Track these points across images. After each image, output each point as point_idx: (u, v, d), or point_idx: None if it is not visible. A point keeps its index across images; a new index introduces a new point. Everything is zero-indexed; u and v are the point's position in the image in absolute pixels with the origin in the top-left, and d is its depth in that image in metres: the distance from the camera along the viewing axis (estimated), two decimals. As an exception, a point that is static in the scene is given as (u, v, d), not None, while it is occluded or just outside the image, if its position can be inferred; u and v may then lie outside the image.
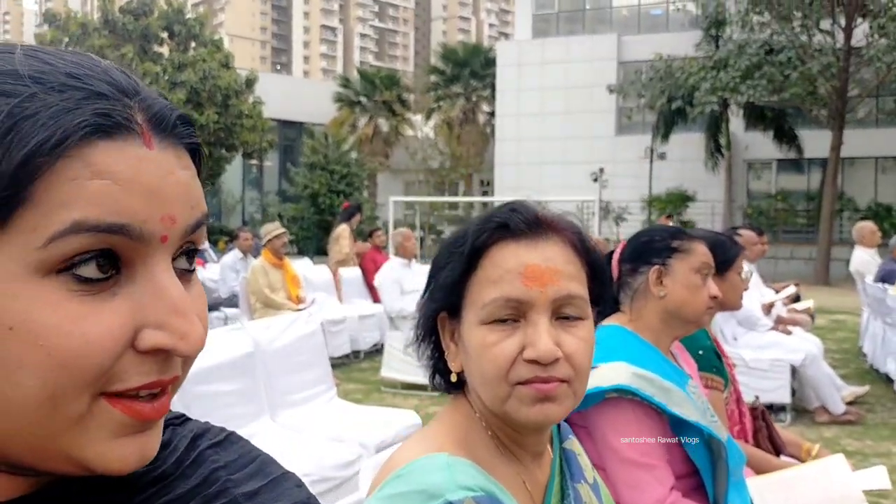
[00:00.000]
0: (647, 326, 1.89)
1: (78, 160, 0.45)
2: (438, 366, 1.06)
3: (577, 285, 0.97)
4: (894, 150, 21.36)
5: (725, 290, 2.47)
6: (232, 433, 0.64)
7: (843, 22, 17.81)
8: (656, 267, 1.87)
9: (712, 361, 2.36)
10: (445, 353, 1.03)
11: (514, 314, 0.95)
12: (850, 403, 5.91)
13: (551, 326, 0.95)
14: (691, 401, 1.79)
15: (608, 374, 1.71)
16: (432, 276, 1.04)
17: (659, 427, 1.73)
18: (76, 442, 0.48)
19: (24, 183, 0.44)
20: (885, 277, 7.19)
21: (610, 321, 1.91)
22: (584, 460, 1.13)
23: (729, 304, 2.57)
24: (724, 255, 2.53)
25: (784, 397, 5.63)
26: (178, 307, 0.49)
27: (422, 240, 24.09)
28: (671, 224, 15.47)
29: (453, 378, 1.03)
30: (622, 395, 1.70)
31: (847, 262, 9.64)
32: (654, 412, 1.72)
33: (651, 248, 1.91)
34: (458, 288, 0.99)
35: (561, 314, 0.96)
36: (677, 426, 1.75)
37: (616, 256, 1.94)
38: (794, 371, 5.71)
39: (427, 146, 29.52)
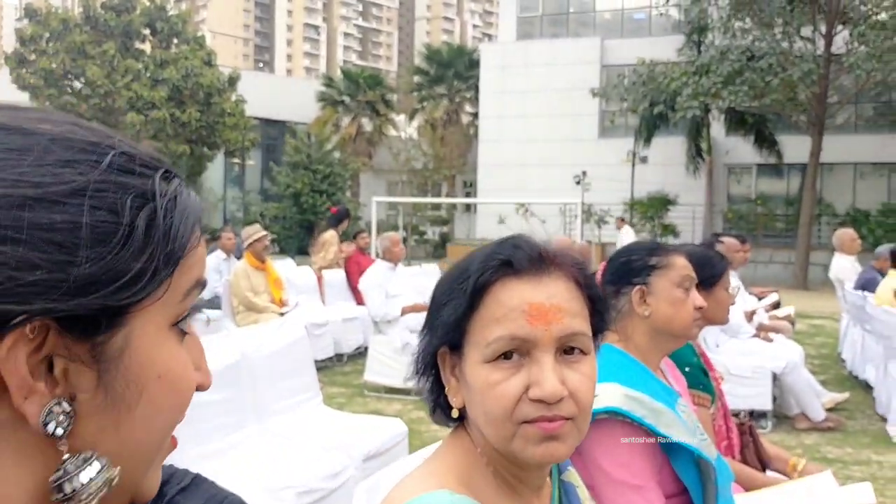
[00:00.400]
0: (635, 346, 1.90)
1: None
2: (439, 400, 1.05)
3: (580, 322, 0.98)
4: (872, 156, 21.61)
5: (712, 305, 2.49)
6: (197, 475, 0.67)
7: (823, 29, 18.02)
8: (638, 287, 1.88)
9: (699, 378, 2.38)
10: (446, 389, 1.03)
11: (517, 351, 0.95)
12: (830, 410, 5.97)
13: (556, 364, 0.95)
14: (681, 421, 1.80)
15: (599, 396, 1.71)
16: (433, 312, 1.03)
17: (649, 448, 1.73)
18: (148, 474, 0.56)
19: (185, 253, 0.54)
20: (864, 285, 7.26)
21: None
22: (582, 492, 1.13)
23: (716, 318, 2.58)
24: (711, 271, 2.55)
25: (765, 404, 5.68)
26: (204, 350, 0.59)
27: (405, 240, 24.04)
28: (625, 227, 15.50)
29: (454, 414, 1.03)
30: (613, 417, 1.71)
31: (826, 266, 9.74)
32: (645, 433, 1.73)
33: (631, 269, 1.92)
34: (461, 325, 0.98)
35: (565, 350, 0.96)
36: (667, 446, 1.76)
37: (597, 280, 1.94)
38: (776, 378, 5.76)
39: (410, 147, 29.51)
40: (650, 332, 1.90)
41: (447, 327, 0.99)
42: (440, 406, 1.05)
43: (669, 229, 21.52)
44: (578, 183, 21.69)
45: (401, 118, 32.92)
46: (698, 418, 2.10)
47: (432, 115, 31.17)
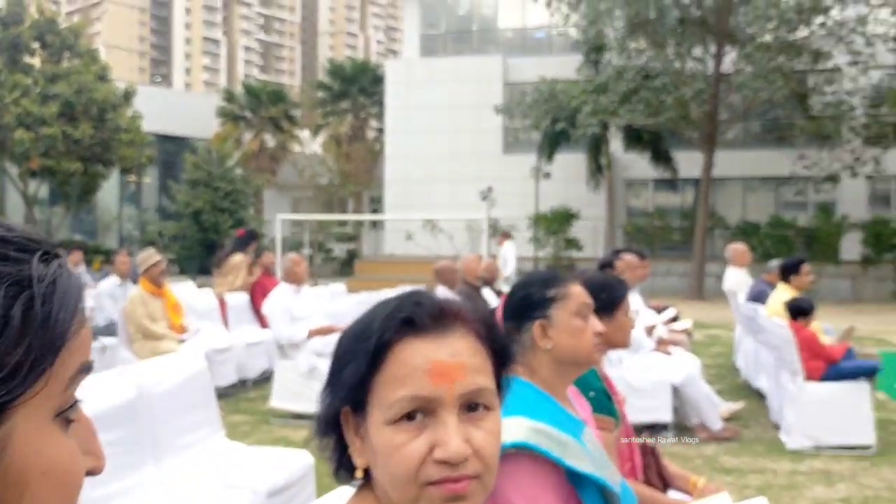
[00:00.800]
0: (541, 378, 1.91)
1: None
2: (342, 460, 1.02)
3: (484, 377, 0.96)
4: (761, 170, 22.72)
5: (614, 329, 2.54)
6: None
7: (713, 50, 18.91)
8: (538, 322, 1.90)
9: (603, 402, 2.42)
10: (350, 449, 1.00)
11: (421, 411, 0.94)
12: (727, 419, 6.20)
13: (460, 423, 0.93)
14: (587, 451, 1.82)
15: (506, 430, 1.70)
16: (335, 370, 1.01)
17: (556, 480, 1.74)
18: None
19: (66, 341, 0.51)
20: (756, 297, 7.60)
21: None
22: (490, 542, 1.12)
23: (618, 342, 2.64)
24: (612, 296, 2.60)
25: (666, 416, 5.85)
26: (95, 431, 0.57)
27: (311, 258, 23.76)
28: (507, 243, 15.63)
29: (358, 474, 1.00)
30: (520, 451, 1.71)
31: (719, 277, 10.14)
32: (552, 466, 1.74)
33: (529, 303, 1.94)
34: (363, 386, 0.96)
35: (469, 407, 0.95)
36: (574, 478, 1.78)
37: (498, 316, 1.95)
38: (675, 390, 5.94)
39: (315, 163, 29.24)
40: (554, 364, 1.92)
41: (349, 388, 0.97)
42: (344, 466, 1.02)
43: (573, 243, 22.01)
44: (484, 198, 21.94)
45: (305, 134, 32.59)
46: (603, 442, 2.13)
47: (337, 130, 31.00)
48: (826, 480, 4.86)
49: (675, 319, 8.12)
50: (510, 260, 14.96)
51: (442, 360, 0.94)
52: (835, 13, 18.14)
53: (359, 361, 0.96)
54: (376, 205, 28.95)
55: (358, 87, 30.86)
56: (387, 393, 0.94)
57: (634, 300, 6.39)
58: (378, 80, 29.04)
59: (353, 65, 32.69)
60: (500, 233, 17.08)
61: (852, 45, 18.47)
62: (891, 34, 18.80)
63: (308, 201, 28.90)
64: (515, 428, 1.73)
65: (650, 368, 6.01)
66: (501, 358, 1.03)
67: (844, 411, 5.53)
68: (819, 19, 18.11)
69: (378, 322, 0.97)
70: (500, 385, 1.04)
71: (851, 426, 5.50)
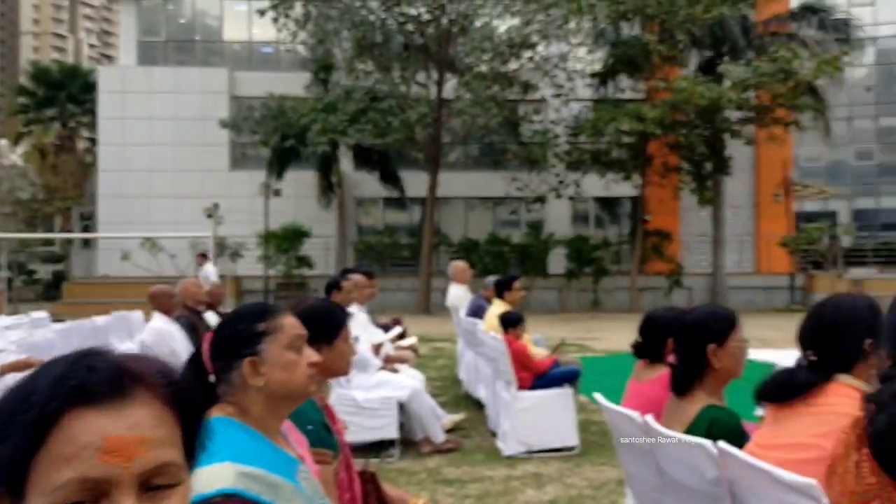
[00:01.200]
0: (252, 417, 1.82)
1: None
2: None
3: (168, 450, 0.85)
4: (480, 191, 24.27)
5: (334, 358, 2.51)
6: None
7: (435, 77, 19.93)
8: (248, 359, 1.81)
9: (322, 435, 2.36)
10: None
11: (92, 496, 0.80)
12: (449, 431, 6.45)
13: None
14: (301, 491, 1.76)
15: (211, 478, 1.59)
16: None
17: (268, 526, 1.66)
18: None
19: None
20: (475, 312, 8.04)
21: (213, 412, 1.79)
22: None
23: (337, 371, 2.61)
24: (332, 323, 2.57)
25: (392, 433, 5.95)
26: None
27: (10, 281, 21.36)
28: (207, 265, 15.30)
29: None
30: (229, 499, 1.61)
31: (444, 292, 10.59)
32: (263, 511, 1.65)
33: (238, 340, 1.83)
34: (21, 466, 0.80)
35: (151, 486, 0.84)
36: (287, 521, 1.71)
37: (205, 354, 1.83)
38: (402, 406, 6.07)
39: (15, 175, 26.37)
40: (267, 401, 1.83)
41: (4, 467, 0.80)
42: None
43: (304, 261, 21.89)
44: (210, 216, 21.11)
45: (3, 143, 29.32)
46: (321, 475, 2.08)
47: (41, 140, 28.26)
48: (536, 483, 5.21)
49: (402, 336, 8.33)
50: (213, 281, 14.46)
51: (119, 435, 0.81)
52: (541, 49, 19.97)
53: (17, 436, 0.80)
54: (87, 222, 26.65)
55: (66, 93, 28.36)
56: (50, 475, 0.79)
57: (361, 319, 6.46)
58: (90, 87, 26.88)
59: (60, 69, 30.05)
60: (198, 254, 16.44)
61: (556, 79, 20.45)
62: (587, 71, 21.13)
63: (6, 218, 25.95)
64: (222, 475, 1.62)
65: (377, 387, 6.09)
66: (194, 419, 0.92)
67: (552, 416, 5.99)
68: (528, 54, 19.83)
69: (42, 390, 0.82)
70: (196, 447, 0.93)
71: (558, 430, 5.97)
